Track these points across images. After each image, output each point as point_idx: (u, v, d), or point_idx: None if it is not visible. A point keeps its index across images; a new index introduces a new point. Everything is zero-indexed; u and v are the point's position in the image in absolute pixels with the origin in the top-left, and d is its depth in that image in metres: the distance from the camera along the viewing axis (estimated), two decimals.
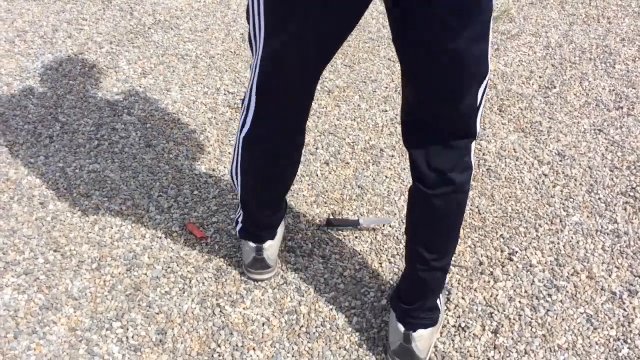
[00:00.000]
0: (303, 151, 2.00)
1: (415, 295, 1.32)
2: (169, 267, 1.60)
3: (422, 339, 1.32)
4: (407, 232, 1.33)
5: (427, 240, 1.27)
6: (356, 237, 1.70)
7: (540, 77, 2.39)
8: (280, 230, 1.59)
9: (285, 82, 1.20)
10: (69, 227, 1.71)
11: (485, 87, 1.14)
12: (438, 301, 1.37)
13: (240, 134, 1.33)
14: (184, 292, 1.54)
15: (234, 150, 1.38)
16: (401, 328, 1.33)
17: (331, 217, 1.70)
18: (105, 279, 1.57)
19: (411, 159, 1.22)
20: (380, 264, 1.64)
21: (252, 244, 1.53)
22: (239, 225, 1.56)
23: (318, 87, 2.32)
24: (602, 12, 2.83)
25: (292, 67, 1.16)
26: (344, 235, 1.71)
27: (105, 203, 1.79)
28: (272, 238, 1.55)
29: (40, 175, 1.87)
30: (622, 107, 2.22)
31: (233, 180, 1.45)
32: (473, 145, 1.22)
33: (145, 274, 1.58)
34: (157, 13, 2.75)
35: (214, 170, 1.92)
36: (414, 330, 1.31)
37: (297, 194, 1.85)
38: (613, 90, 2.31)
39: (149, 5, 2.80)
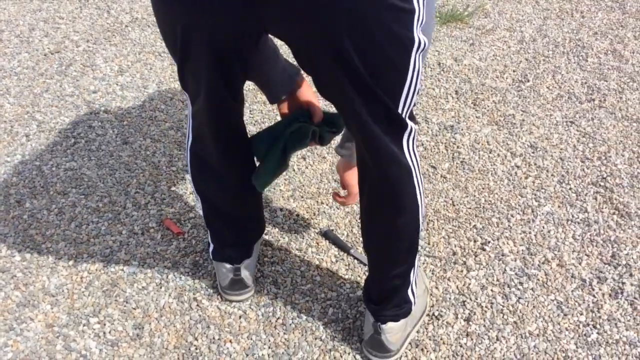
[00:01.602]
0: None
1: (378, 297, 1.34)
2: (145, 263, 1.61)
3: (393, 331, 1.34)
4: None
5: (379, 252, 1.30)
6: (332, 230, 1.73)
7: (514, 71, 2.43)
8: (257, 247, 1.57)
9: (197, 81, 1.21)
10: (46, 224, 1.71)
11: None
12: (410, 294, 1.38)
13: (187, 145, 1.35)
14: (160, 287, 1.56)
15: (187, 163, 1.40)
16: (371, 319, 1.35)
17: (330, 229, 1.72)
18: (82, 276, 1.58)
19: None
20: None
21: (228, 265, 1.49)
22: (211, 247, 1.51)
23: None
24: (576, 7, 2.88)
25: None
26: (321, 229, 1.73)
27: (82, 200, 1.79)
28: (249, 256, 1.52)
29: (17, 173, 1.87)
30: (593, 100, 2.27)
31: (195, 194, 1.45)
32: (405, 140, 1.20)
33: (122, 269, 1.59)
34: (134, 11, 2.74)
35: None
36: (384, 323, 1.34)
37: (275, 188, 1.87)
38: (585, 83, 2.36)
39: (126, 3, 2.80)
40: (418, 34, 1.01)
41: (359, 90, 1.04)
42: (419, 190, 1.22)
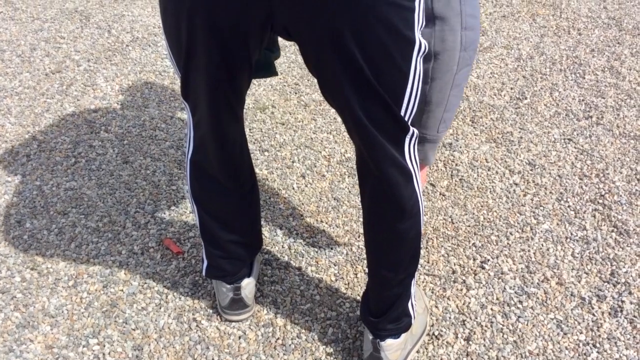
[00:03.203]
0: (280, 165, 2.04)
1: (378, 309, 1.34)
2: (145, 283, 1.62)
3: (392, 348, 1.34)
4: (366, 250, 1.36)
5: (380, 258, 1.30)
6: (332, 249, 1.73)
7: (511, 88, 2.44)
8: (257, 266, 1.56)
9: (202, 94, 1.21)
10: (46, 245, 1.72)
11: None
12: (409, 307, 1.38)
13: (187, 156, 1.35)
14: (160, 308, 1.56)
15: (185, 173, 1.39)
16: (370, 337, 1.35)
17: None
18: (81, 296, 1.58)
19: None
20: (356, 274, 1.67)
21: (227, 285, 1.48)
22: (205, 263, 1.48)
23: (295, 100, 2.35)
24: (573, 24, 2.90)
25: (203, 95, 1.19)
26: (320, 247, 1.73)
27: (82, 220, 1.80)
28: (249, 275, 1.52)
29: (18, 193, 1.88)
30: (591, 117, 2.28)
31: (190, 205, 1.45)
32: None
33: (122, 290, 1.60)
34: (135, 30, 2.77)
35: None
36: (382, 340, 1.33)
37: (274, 207, 1.88)
38: (583, 100, 2.37)
39: (127, 23, 2.82)
40: (419, 36, 1.03)
41: (361, 90, 1.05)
42: (420, 195, 1.23)
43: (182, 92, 1.21)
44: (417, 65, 1.06)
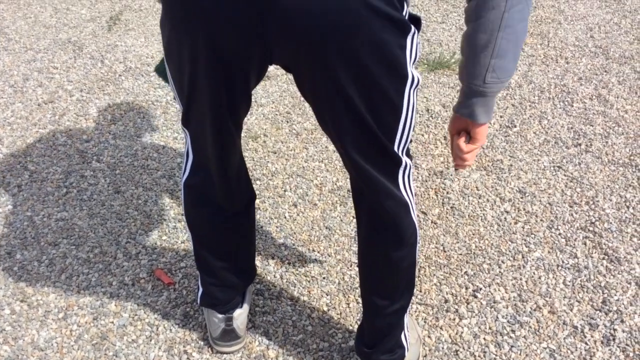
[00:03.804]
0: (272, 194, 2.04)
1: (372, 339, 1.34)
2: (136, 315, 1.60)
3: None
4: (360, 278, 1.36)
5: (375, 286, 1.30)
6: (324, 278, 1.73)
7: (501, 116, 2.47)
8: (249, 296, 1.56)
9: (201, 121, 1.21)
10: (36, 276, 1.70)
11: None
12: (403, 338, 1.38)
13: (182, 180, 1.34)
14: (150, 340, 1.54)
15: (181, 198, 1.39)
16: None
17: None
18: (71, 329, 1.56)
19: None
20: (348, 304, 1.66)
21: (219, 315, 1.47)
22: (200, 291, 1.48)
23: (287, 129, 2.37)
24: (560, 53, 2.95)
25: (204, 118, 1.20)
26: (312, 277, 1.73)
27: (73, 251, 1.79)
28: (242, 305, 1.51)
29: (8, 224, 1.87)
30: (580, 144, 2.30)
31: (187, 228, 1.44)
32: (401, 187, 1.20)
33: (112, 322, 1.58)
34: (127, 60, 2.79)
35: (182, 214, 1.94)
36: None
37: (266, 236, 1.88)
38: (571, 128, 2.40)
39: (120, 53, 2.85)
40: (411, 70, 1.05)
41: (356, 127, 1.07)
42: (416, 224, 1.24)
43: (183, 120, 1.22)
44: (410, 98, 1.08)
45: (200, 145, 1.25)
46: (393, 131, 1.10)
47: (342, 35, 0.96)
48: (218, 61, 1.05)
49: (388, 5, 0.97)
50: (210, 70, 1.07)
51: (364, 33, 0.97)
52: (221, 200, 1.33)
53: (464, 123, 1.16)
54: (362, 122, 1.06)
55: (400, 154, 1.13)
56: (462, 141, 1.17)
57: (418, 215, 1.96)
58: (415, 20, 1.06)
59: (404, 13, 1.01)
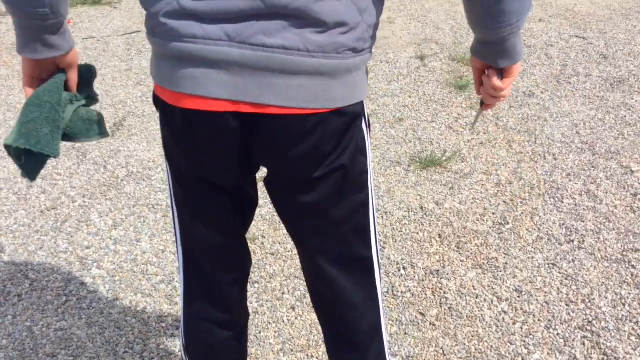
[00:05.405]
0: (270, 297, 2.06)
1: None
2: None
3: None
4: None
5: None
6: None
7: (493, 213, 2.53)
8: None
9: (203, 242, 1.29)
10: None
11: None
12: None
13: (183, 311, 1.35)
14: None
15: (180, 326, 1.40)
16: None
17: None
18: None
19: None
20: None
21: None
22: None
23: (284, 230, 2.41)
24: (548, 149, 3.05)
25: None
26: None
27: None
28: None
29: (7, 335, 1.87)
30: (573, 241, 2.34)
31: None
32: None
33: None
34: (130, 165, 2.88)
35: (178, 322, 1.95)
36: None
37: (264, 342, 1.87)
38: (563, 224, 2.45)
39: (123, 158, 2.94)
40: (370, 175, 1.15)
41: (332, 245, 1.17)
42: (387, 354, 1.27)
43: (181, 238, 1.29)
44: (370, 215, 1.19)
45: (198, 262, 1.29)
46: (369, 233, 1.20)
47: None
48: (215, 189, 1.15)
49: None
50: (212, 199, 1.18)
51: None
52: (221, 323, 1.35)
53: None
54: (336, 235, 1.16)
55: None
56: (495, 80, 1.10)
57: (416, 317, 1.96)
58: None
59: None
